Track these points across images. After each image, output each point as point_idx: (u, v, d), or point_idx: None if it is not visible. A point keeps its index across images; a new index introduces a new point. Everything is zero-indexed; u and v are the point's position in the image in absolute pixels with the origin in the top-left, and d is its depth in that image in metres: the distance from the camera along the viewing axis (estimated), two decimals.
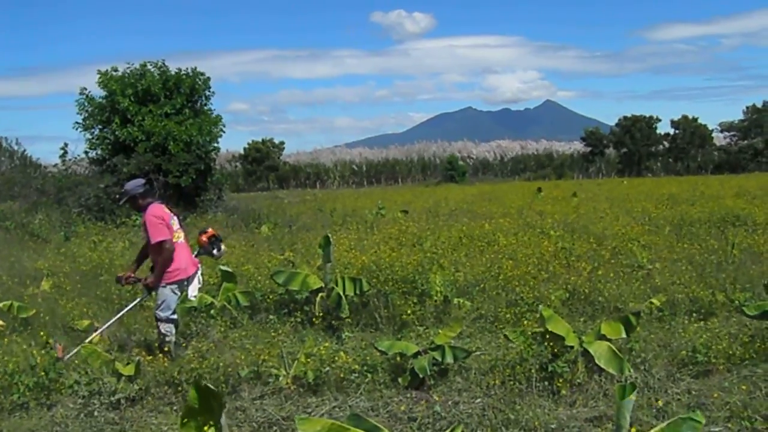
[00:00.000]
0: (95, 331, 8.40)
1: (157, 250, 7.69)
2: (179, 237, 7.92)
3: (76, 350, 7.64)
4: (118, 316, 8.30)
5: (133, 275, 8.05)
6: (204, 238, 8.45)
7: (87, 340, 7.85)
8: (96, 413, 6.65)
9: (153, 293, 7.95)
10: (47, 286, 11.26)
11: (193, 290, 8.09)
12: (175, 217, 8.03)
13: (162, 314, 7.79)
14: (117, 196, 9.12)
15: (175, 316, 7.92)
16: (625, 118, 68.21)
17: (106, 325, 8.19)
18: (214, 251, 8.47)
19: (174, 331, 7.93)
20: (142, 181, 8.09)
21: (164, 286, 7.76)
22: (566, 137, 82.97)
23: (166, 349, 7.70)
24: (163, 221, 7.67)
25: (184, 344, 8.21)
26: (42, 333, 8.37)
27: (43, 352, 7.45)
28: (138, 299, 8.35)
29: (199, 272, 8.19)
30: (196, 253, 8.39)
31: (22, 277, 12.12)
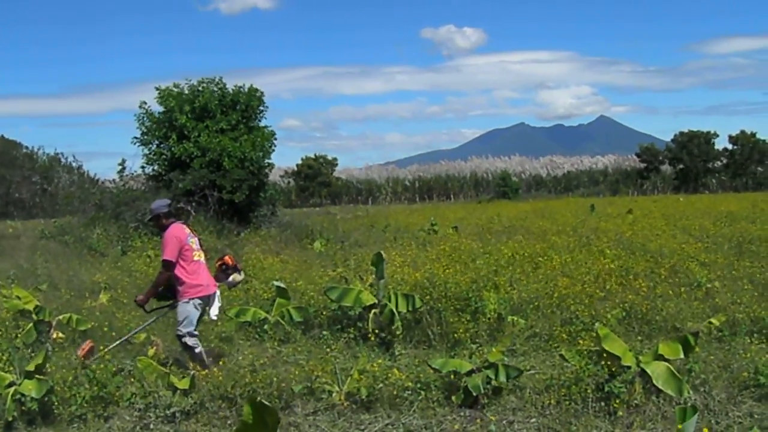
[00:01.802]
0: (152, 345, 8.55)
1: (162, 268, 8.00)
2: (200, 256, 8.14)
3: (95, 357, 7.84)
4: (129, 335, 8.46)
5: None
6: (216, 264, 8.63)
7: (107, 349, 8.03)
8: (152, 426, 6.74)
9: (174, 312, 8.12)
10: (105, 299, 11.45)
11: (214, 310, 8.21)
12: (196, 238, 8.25)
13: (184, 330, 7.93)
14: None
15: (196, 332, 8.03)
16: (682, 133, 67.10)
17: (116, 343, 8.34)
18: (228, 279, 8.57)
19: (199, 342, 8.05)
20: (167, 201, 8.42)
21: (187, 302, 7.95)
22: (621, 153, 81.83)
23: (198, 361, 7.76)
24: (178, 242, 7.91)
25: (240, 357, 8.23)
26: (102, 348, 8.47)
27: (102, 366, 7.55)
28: (150, 320, 8.45)
29: (218, 292, 8.31)
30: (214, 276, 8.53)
31: (80, 290, 12.37)
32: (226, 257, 8.67)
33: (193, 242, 8.11)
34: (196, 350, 7.90)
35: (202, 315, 8.17)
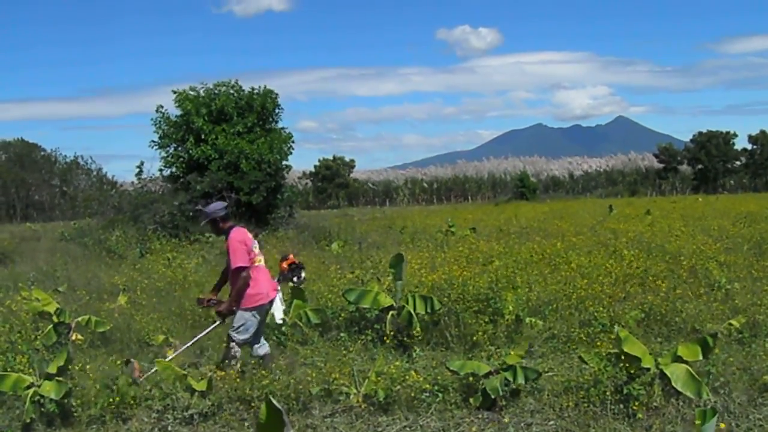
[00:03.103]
0: (170, 347, 8.54)
1: (235, 276, 7.72)
2: (260, 261, 7.95)
3: (153, 370, 7.75)
4: (193, 341, 8.37)
5: (214, 298, 8.11)
6: (284, 264, 8.46)
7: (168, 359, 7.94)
8: (170, 428, 6.76)
9: (226, 319, 7.99)
10: (123, 301, 11.48)
11: (279, 313, 8.08)
12: (256, 241, 8.08)
13: (239, 337, 7.77)
14: (196, 215, 9.34)
15: (250, 341, 7.93)
16: (701, 133, 66.79)
17: (181, 349, 8.24)
18: (294, 279, 8.44)
19: (240, 355, 7.94)
20: (223, 204, 8.12)
21: (245, 310, 7.75)
22: (639, 153, 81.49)
23: (225, 365, 7.69)
24: (245, 246, 7.72)
25: (254, 362, 8.23)
26: (121, 357, 8.45)
27: (120, 372, 7.56)
28: (213, 325, 8.35)
29: (280, 295, 8.15)
30: (276, 279, 8.43)
31: (99, 292, 12.43)
32: (291, 256, 8.56)
33: (256, 247, 7.95)
34: (232, 362, 7.76)
35: (262, 323, 8.08)
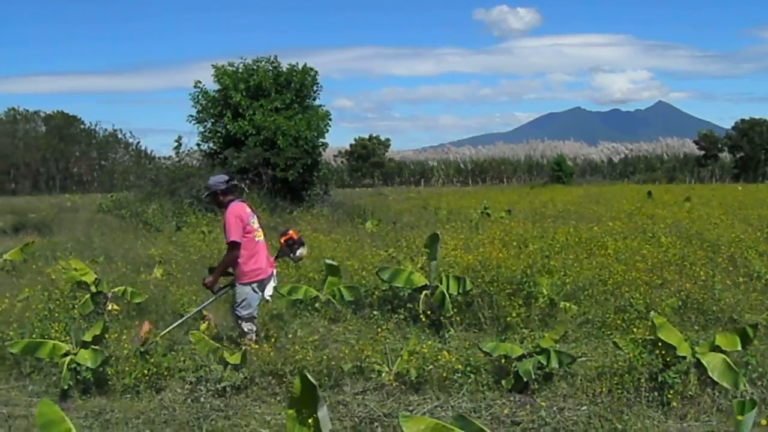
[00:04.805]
0: (204, 321, 8.60)
1: (228, 250, 7.80)
2: (260, 236, 8.00)
3: (165, 330, 7.94)
4: (183, 319, 8.44)
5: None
6: (282, 240, 8.48)
7: (156, 338, 7.94)
8: (202, 399, 6.81)
9: (231, 291, 8.05)
10: (159, 273, 11.59)
11: (268, 290, 8.13)
12: (255, 216, 8.09)
13: (243, 312, 7.85)
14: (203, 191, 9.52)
15: (255, 314, 7.98)
16: (743, 120, 65.64)
17: (168, 328, 8.22)
18: (291, 254, 8.46)
19: (255, 329, 8.01)
20: (224, 177, 8.13)
21: (245, 285, 7.83)
22: (679, 139, 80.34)
23: (245, 346, 7.71)
24: (241, 222, 7.75)
25: (290, 335, 8.25)
26: (156, 329, 8.52)
27: (158, 340, 7.63)
28: (207, 301, 8.42)
29: (274, 272, 8.22)
30: (276, 254, 8.49)
31: (135, 264, 12.55)
32: (291, 231, 8.58)
33: (254, 222, 7.97)
34: (248, 336, 7.83)
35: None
